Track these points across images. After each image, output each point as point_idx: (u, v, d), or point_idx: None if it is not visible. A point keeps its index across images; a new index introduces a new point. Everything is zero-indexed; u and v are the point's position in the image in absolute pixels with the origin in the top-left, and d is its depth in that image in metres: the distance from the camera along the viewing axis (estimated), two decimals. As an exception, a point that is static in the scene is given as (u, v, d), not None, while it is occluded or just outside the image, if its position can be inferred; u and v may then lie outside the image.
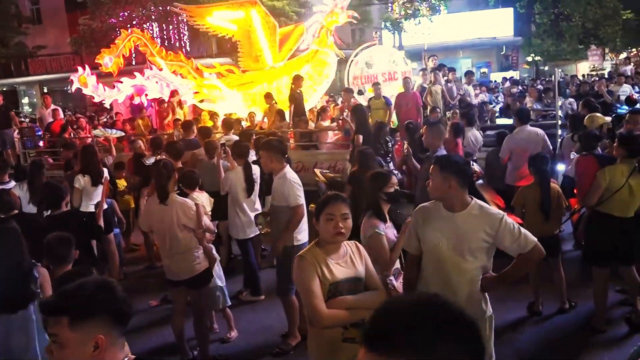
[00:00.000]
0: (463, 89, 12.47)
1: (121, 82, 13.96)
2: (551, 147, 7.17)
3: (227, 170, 6.39)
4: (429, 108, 11.47)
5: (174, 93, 12.98)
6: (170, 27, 25.51)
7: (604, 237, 4.94)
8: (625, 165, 4.90)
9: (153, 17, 24.62)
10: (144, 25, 23.46)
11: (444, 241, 3.14)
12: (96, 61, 14.18)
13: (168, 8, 23.59)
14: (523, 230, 3.11)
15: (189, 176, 5.47)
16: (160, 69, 13.59)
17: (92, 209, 6.50)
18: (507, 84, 20.95)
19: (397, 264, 3.85)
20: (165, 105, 12.89)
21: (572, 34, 27.67)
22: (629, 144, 4.88)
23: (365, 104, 11.57)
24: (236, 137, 7.99)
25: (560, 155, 7.51)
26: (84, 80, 13.90)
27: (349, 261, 3.06)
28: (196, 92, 13.28)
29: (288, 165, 5.07)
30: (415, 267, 3.34)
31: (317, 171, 8.57)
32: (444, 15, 26.31)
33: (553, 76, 10.50)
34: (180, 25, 25.15)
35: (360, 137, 8.33)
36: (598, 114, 6.77)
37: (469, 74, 13.84)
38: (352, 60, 13.63)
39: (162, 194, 4.67)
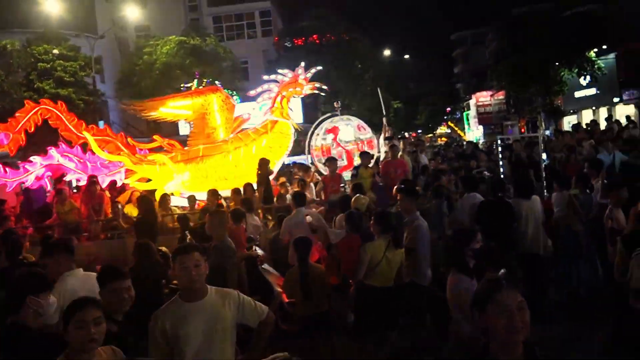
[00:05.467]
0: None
1: (30, 162, 11.48)
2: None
3: None
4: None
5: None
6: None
7: (370, 307, 5.37)
8: (382, 240, 5.46)
9: None
10: None
11: (199, 334, 3.12)
12: None
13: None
14: (253, 300, 3.41)
15: None
16: (72, 147, 11.56)
17: None
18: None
19: None
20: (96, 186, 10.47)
21: (353, 121, 30.83)
22: (382, 221, 5.49)
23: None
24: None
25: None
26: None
27: None
28: (129, 170, 11.33)
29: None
30: None
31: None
32: (238, 105, 27.52)
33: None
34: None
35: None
36: (361, 196, 7.49)
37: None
38: (312, 132, 12.97)
39: None
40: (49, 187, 11.77)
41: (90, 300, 2.94)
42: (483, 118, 40.17)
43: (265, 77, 12.06)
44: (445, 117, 52.79)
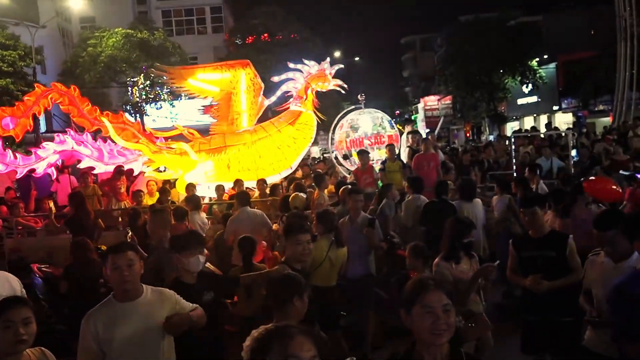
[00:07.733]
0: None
1: (42, 148, 10.84)
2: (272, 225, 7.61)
3: None
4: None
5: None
6: None
7: (312, 307, 5.36)
8: (324, 240, 5.47)
9: None
10: None
11: (133, 335, 3.02)
12: None
13: None
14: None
15: None
16: (81, 134, 11.04)
17: None
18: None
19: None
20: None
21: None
22: (325, 221, 5.50)
23: (351, 168, 11.16)
24: None
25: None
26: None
27: None
28: (147, 160, 10.83)
29: None
30: None
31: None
32: (186, 101, 27.06)
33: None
34: None
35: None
36: (300, 194, 7.47)
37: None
38: (336, 124, 12.57)
39: None
40: (54, 176, 11.19)
41: (19, 299, 2.86)
42: (430, 122, 40.97)
43: (291, 66, 11.63)
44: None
